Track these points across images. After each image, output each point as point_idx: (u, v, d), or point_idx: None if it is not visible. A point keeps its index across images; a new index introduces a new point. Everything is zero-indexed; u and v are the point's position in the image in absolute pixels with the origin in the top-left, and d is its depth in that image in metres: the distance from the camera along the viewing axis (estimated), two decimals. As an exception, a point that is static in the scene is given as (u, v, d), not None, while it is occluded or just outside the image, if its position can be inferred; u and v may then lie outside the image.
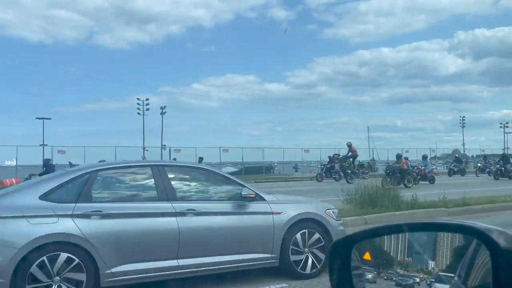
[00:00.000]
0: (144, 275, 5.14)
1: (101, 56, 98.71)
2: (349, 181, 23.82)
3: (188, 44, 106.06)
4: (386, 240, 1.25)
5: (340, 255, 1.27)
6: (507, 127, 63.54)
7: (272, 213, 5.89)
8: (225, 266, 5.63)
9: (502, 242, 1.01)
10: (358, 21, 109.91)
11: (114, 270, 4.93)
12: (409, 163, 24.41)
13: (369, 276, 1.25)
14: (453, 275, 1.12)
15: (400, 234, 1.23)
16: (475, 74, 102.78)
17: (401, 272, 1.19)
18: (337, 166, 26.47)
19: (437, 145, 63.36)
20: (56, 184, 5.18)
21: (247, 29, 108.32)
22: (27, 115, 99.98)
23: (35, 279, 4.56)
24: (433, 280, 1.14)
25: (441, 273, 1.14)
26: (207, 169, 6.64)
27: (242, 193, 5.80)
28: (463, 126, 63.47)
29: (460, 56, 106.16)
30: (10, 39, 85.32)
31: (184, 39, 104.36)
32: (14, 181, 24.39)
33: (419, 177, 23.54)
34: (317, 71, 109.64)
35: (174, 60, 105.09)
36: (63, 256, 4.70)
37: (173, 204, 5.40)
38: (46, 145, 38.86)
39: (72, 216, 4.90)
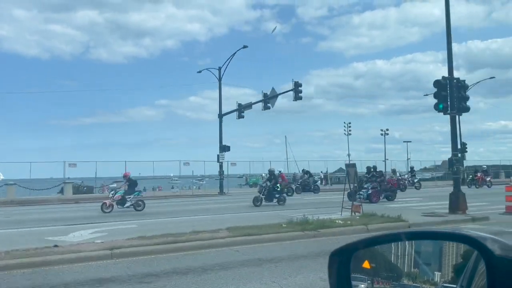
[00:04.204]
0: None
1: (97, 70, 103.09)
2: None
3: (184, 58, 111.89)
4: (387, 249, 1.25)
5: (340, 263, 1.28)
6: (387, 134, 58.74)
7: None
8: None
9: (496, 249, 1.02)
10: (352, 34, 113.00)
11: None
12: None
13: (368, 284, 1.25)
14: (455, 286, 1.13)
15: (400, 243, 1.23)
16: (470, 86, 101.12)
17: (405, 282, 1.19)
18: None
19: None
20: None
21: (242, 42, 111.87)
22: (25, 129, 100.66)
23: None
24: None
25: (444, 285, 1.14)
26: None
27: None
28: (349, 134, 56.75)
29: (455, 68, 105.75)
30: (6, 54, 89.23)
31: (180, 52, 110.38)
32: None
33: None
34: (313, 84, 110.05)
35: (170, 73, 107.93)
36: None
37: None
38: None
39: None
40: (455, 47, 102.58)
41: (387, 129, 58.15)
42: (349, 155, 52.28)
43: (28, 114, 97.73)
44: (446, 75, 14.84)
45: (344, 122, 57.69)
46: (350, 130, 56.60)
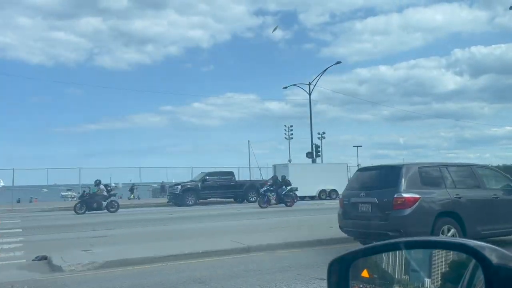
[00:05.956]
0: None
1: (102, 77, 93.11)
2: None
3: (187, 64, 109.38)
4: (384, 258, 1.23)
5: (339, 272, 1.27)
6: (324, 138, 52.81)
7: None
8: None
9: (494, 258, 1.01)
10: (355, 40, 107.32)
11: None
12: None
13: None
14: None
15: (398, 253, 1.21)
16: (474, 91, 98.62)
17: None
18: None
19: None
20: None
21: (245, 49, 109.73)
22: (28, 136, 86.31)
23: None
24: None
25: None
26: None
27: None
28: (290, 138, 52.98)
29: (458, 74, 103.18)
30: (10, 61, 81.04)
31: (183, 59, 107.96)
32: None
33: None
34: (316, 90, 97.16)
35: (174, 80, 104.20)
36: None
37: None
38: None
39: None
40: (458, 52, 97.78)
41: (324, 132, 54.19)
42: (289, 160, 46.98)
43: (32, 122, 75.08)
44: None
45: (285, 125, 55.27)
46: (291, 134, 53.17)
